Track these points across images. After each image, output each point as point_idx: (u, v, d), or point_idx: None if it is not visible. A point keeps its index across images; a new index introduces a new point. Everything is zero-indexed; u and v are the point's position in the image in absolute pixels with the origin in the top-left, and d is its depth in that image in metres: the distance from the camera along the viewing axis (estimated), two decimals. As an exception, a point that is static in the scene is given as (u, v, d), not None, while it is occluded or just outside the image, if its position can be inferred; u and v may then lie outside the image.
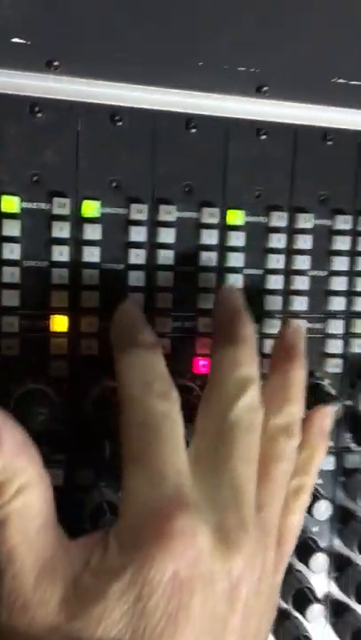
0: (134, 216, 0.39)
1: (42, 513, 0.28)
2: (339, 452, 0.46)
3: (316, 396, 0.40)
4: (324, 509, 0.43)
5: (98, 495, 0.39)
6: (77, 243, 0.38)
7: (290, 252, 0.43)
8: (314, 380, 0.43)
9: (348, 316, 0.45)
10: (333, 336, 0.45)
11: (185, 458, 0.29)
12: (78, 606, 0.26)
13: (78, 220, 0.38)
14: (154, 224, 0.40)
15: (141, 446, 0.29)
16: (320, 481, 0.45)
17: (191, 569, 0.26)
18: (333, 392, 0.43)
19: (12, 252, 0.37)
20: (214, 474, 0.30)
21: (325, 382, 0.44)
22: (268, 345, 0.41)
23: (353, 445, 0.46)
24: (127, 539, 0.27)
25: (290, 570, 0.44)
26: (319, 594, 0.45)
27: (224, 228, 0.41)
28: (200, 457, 0.30)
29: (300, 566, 0.45)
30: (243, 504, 0.29)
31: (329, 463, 0.45)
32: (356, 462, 0.46)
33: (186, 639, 0.26)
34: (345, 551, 0.47)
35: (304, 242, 0.42)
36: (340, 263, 0.44)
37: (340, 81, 0.41)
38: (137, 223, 0.39)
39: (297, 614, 0.44)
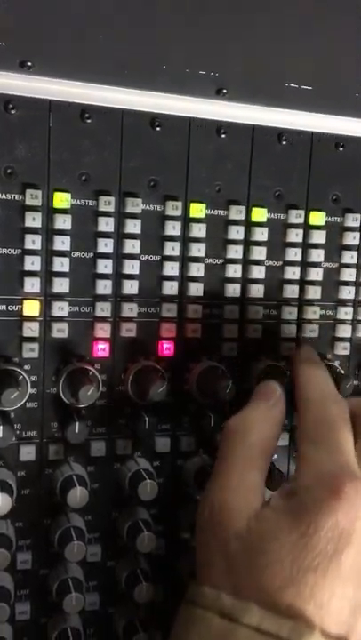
0: (102, 207, 0.42)
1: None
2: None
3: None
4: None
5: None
6: (49, 232, 0.41)
7: (247, 243, 0.46)
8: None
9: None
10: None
11: (352, 442, 0.37)
12: (257, 525, 0.34)
13: (50, 211, 0.41)
14: (121, 215, 0.43)
15: (320, 434, 0.37)
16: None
17: (351, 524, 0.32)
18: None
19: (-13, 239, 0.40)
20: None
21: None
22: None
23: None
24: (303, 491, 0.34)
25: None
26: None
27: (187, 220, 0.44)
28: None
29: None
30: None
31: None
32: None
33: (333, 578, 0.32)
34: None
35: (261, 234, 0.46)
36: (294, 254, 0.47)
37: (293, 85, 0.44)
38: (105, 214, 0.42)
39: None
